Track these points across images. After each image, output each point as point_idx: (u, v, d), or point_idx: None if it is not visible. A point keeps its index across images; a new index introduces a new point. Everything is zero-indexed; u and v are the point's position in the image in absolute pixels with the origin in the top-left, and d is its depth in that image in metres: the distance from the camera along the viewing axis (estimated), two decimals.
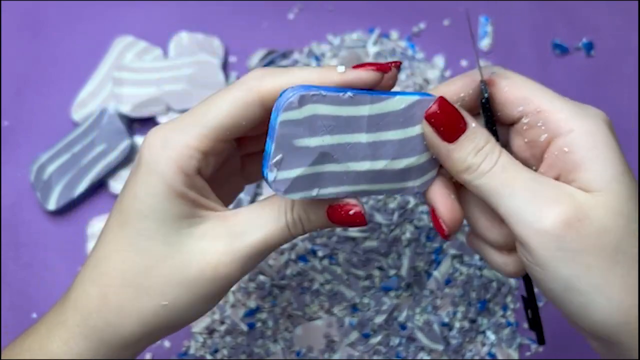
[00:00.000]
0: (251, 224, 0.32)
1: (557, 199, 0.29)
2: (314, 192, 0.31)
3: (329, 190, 0.31)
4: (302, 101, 0.29)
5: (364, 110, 0.31)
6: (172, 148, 0.30)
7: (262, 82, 0.30)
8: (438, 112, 0.31)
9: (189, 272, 0.31)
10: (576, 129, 0.30)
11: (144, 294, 0.31)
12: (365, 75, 0.31)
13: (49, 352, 0.32)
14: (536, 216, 0.28)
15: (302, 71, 0.31)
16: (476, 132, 0.31)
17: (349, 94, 0.30)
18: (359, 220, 0.31)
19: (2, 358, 0.33)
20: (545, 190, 0.29)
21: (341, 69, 0.31)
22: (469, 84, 0.33)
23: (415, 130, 0.32)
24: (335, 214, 0.32)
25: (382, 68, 0.31)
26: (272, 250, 0.32)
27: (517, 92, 0.32)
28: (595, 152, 0.29)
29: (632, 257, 0.28)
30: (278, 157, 0.29)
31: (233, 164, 0.37)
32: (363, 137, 0.31)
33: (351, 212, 0.31)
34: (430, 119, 0.31)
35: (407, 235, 0.50)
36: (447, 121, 0.30)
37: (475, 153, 0.30)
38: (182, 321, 0.32)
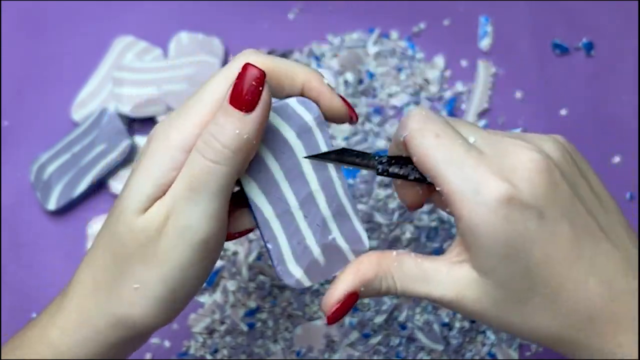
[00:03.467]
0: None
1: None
2: None
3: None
4: None
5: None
6: (177, 131, 0.31)
7: (251, 58, 0.31)
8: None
9: (154, 247, 0.31)
10: (464, 217, 0.30)
11: (119, 277, 0.31)
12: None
13: (47, 341, 0.32)
14: None
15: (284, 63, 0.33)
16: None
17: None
18: None
19: (3, 350, 0.34)
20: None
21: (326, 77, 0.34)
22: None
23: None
24: None
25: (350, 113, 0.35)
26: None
27: (422, 166, 0.31)
28: (478, 243, 0.30)
29: None
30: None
31: None
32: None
33: None
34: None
35: (407, 235, 0.50)
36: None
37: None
38: (160, 310, 0.32)
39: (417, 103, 0.54)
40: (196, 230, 0.30)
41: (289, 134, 0.33)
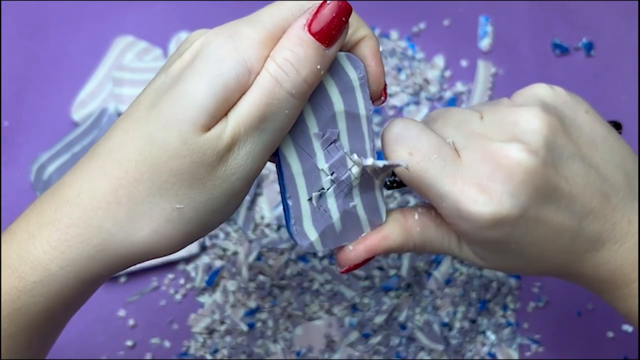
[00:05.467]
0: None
1: None
2: None
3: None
4: None
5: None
6: (244, 48, 0.28)
7: None
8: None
9: (207, 171, 0.28)
10: (454, 227, 0.31)
11: (156, 192, 0.27)
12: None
13: (30, 260, 0.27)
14: None
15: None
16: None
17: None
18: None
19: None
20: None
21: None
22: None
23: None
24: None
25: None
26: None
27: (405, 183, 0.32)
28: (469, 244, 0.32)
29: None
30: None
31: None
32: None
33: None
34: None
35: None
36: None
37: None
38: (189, 235, 0.29)
39: (417, 103, 0.54)
40: (256, 163, 0.28)
41: (333, 89, 0.30)
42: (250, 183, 0.29)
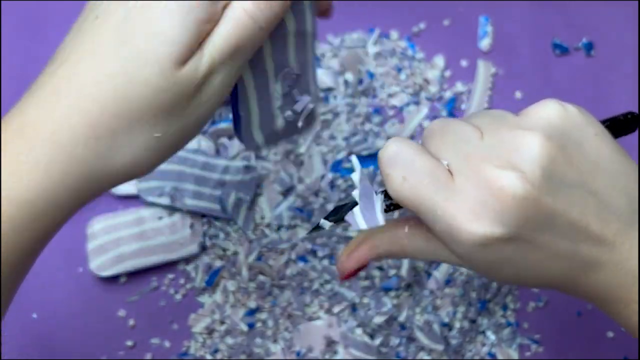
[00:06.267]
0: None
1: None
2: None
3: None
4: None
5: None
6: None
7: None
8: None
9: (186, 101, 0.30)
10: (448, 246, 0.31)
11: (135, 124, 0.29)
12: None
13: (16, 201, 0.28)
14: None
15: None
16: None
17: None
18: None
19: None
20: None
21: None
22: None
23: None
24: None
25: None
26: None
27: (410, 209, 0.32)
28: (464, 263, 0.32)
29: None
30: None
31: None
32: None
33: None
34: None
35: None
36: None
37: None
38: (164, 158, 0.32)
39: (417, 103, 0.54)
40: (227, 89, 0.31)
41: (289, 14, 0.33)
42: (218, 107, 0.32)
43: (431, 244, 0.32)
